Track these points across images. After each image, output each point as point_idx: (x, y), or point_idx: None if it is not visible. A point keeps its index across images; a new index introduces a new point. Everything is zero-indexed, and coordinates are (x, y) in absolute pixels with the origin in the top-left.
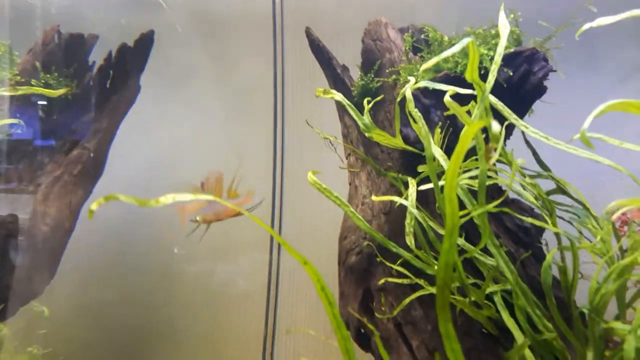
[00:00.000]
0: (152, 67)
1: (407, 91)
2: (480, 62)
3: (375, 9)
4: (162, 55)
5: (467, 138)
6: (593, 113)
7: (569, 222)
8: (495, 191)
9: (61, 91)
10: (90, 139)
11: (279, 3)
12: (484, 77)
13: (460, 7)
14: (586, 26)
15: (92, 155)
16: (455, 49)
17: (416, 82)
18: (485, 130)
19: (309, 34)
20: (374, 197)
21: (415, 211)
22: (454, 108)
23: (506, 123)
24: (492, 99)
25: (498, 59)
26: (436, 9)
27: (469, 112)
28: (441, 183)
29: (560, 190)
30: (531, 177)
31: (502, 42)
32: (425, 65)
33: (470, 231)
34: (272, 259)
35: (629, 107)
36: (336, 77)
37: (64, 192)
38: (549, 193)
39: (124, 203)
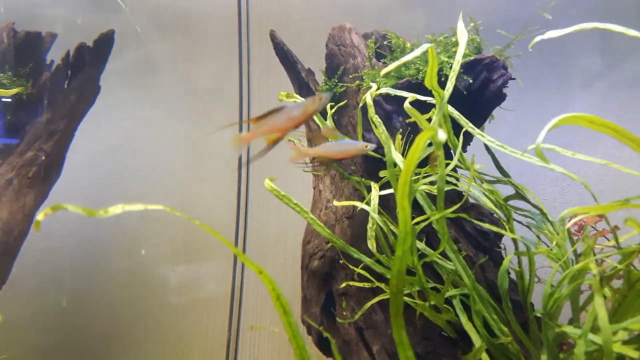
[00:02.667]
0: (113, 67)
1: (368, 98)
2: (441, 70)
3: (343, 10)
4: (123, 55)
5: (417, 149)
6: (546, 127)
7: (527, 227)
8: (455, 196)
9: (14, 91)
10: (47, 141)
11: (245, 1)
12: (445, 84)
13: (428, 13)
14: (537, 38)
15: (47, 157)
16: (414, 54)
17: (378, 88)
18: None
19: (273, 37)
20: (335, 202)
21: (376, 216)
22: (414, 114)
23: (463, 130)
24: (449, 107)
25: (456, 66)
26: (403, 15)
27: (429, 119)
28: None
29: (519, 195)
30: (491, 182)
31: (460, 50)
32: (384, 71)
33: (431, 235)
34: (237, 263)
35: (580, 121)
36: (300, 81)
37: (17, 195)
38: (507, 198)
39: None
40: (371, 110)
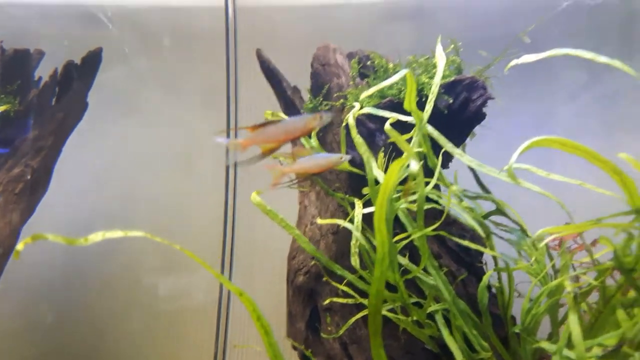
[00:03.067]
0: (102, 83)
1: (350, 118)
2: (422, 90)
3: (331, 26)
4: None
5: (392, 175)
6: (518, 149)
7: (508, 242)
8: (438, 213)
9: (2, 108)
10: (34, 157)
11: (232, 17)
12: (426, 104)
13: (414, 30)
14: (512, 62)
15: (34, 173)
16: (393, 80)
17: (362, 108)
18: (425, 155)
19: (259, 55)
20: (319, 220)
21: (358, 234)
22: (394, 135)
23: (442, 150)
24: (429, 127)
25: (435, 89)
26: (389, 32)
27: (411, 139)
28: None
29: (499, 211)
30: (473, 198)
31: (439, 73)
32: (364, 94)
33: (415, 250)
34: (224, 268)
35: (552, 143)
36: (286, 99)
37: (4, 211)
38: (488, 214)
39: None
40: (353, 131)
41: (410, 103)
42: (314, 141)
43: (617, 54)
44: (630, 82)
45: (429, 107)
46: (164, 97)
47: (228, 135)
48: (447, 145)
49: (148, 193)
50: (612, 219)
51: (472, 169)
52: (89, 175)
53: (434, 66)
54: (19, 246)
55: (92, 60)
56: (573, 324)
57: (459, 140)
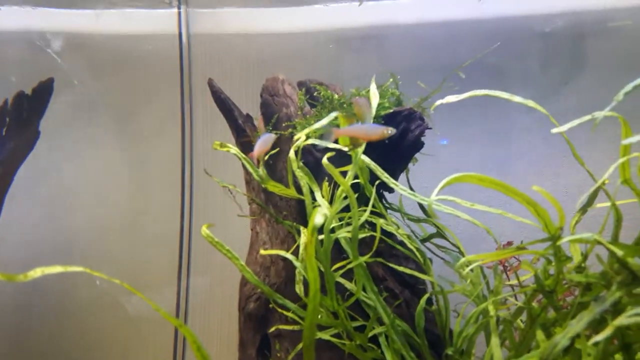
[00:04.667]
0: (57, 111)
1: (291, 153)
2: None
3: (285, 52)
4: (63, 98)
5: (314, 217)
6: (439, 186)
7: (446, 264)
8: (386, 236)
9: None
10: None
11: (186, 44)
12: None
13: (363, 58)
14: (437, 102)
15: None
16: (322, 123)
17: (308, 138)
18: (358, 187)
19: (211, 85)
20: (261, 251)
21: (298, 264)
22: (330, 169)
23: (377, 182)
24: (366, 160)
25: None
26: (340, 59)
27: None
28: (321, 237)
29: (439, 234)
30: (416, 221)
31: (372, 112)
32: (305, 131)
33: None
34: (180, 295)
35: (470, 179)
36: (238, 128)
37: None
38: (429, 237)
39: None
40: (294, 165)
41: (344, 142)
42: (261, 170)
43: (566, 77)
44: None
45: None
46: (117, 125)
47: (183, 163)
48: (383, 176)
49: (103, 221)
50: (545, 241)
51: (416, 196)
52: (41, 204)
53: (381, 96)
54: None
55: (44, 91)
56: (495, 347)
57: (400, 166)
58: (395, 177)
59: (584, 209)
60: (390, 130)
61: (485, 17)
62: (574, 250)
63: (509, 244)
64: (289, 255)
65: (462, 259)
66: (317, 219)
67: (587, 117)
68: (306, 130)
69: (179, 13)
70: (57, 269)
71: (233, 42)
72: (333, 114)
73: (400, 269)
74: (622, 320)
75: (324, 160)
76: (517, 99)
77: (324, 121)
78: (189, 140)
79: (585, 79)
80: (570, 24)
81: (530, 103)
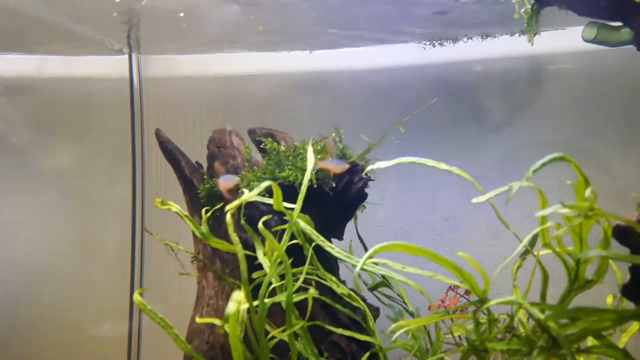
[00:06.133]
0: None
1: (228, 217)
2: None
3: (236, 96)
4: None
5: (242, 295)
6: (367, 254)
7: (387, 318)
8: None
9: None
10: None
11: (137, 87)
12: (317, 189)
13: (315, 101)
14: (369, 167)
15: None
16: (253, 194)
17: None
18: (298, 249)
19: (158, 135)
20: (197, 319)
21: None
22: (265, 234)
23: (313, 244)
24: (301, 224)
25: (304, 188)
26: (293, 101)
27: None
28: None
29: (385, 284)
30: (366, 270)
31: (307, 175)
32: (248, 196)
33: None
34: (132, 326)
35: (396, 247)
36: (185, 179)
37: None
38: (376, 286)
39: None
40: (230, 229)
41: (278, 205)
42: (204, 228)
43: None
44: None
45: (298, 206)
46: (67, 169)
47: (134, 207)
48: (319, 240)
49: (53, 276)
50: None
51: (362, 243)
52: None
53: (321, 151)
54: None
55: None
56: None
57: (347, 217)
58: (342, 228)
59: (523, 256)
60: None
61: (430, 62)
62: (516, 294)
63: (453, 288)
64: (221, 323)
65: (392, 326)
66: (230, 307)
67: (505, 188)
68: (253, 193)
69: (130, 57)
70: None
71: (187, 85)
72: (264, 184)
73: (339, 331)
74: None
75: (260, 225)
76: (443, 166)
77: (255, 192)
78: (141, 183)
79: (526, 120)
80: (512, 68)
81: (456, 170)
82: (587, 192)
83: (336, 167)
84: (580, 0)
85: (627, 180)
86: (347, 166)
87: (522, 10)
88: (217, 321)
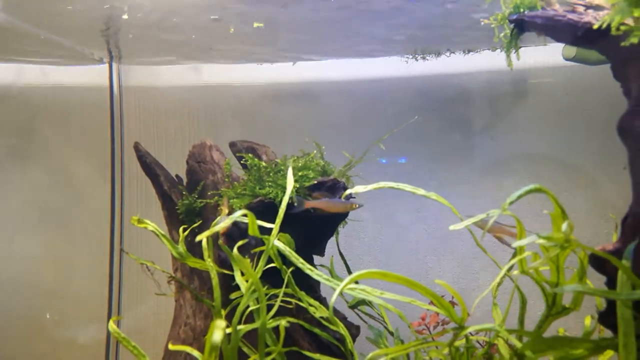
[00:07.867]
0: None
1: (204, 242)
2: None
3: (218, 106)
4: None
5: (212, 334)
6: (346, 280)
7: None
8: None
9: None
10: None
11: (118, 96)
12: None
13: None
14: (347, 192)
15: None
16: (231, 220)
17: (231, 210)
18: (275, 273)
19: (137, 149)
20: (170, 346)
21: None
22: (239, 260)
23: (292, 268)
24: (280, 245)
25: (284, 205)
26: (275, 111)
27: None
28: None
29: (365, 302)
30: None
31: (286, 198)
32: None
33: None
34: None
35: (375, 275)
36: (164, 194)
37: None
38: (356, 304)
39: None
40: (206, 254)
41: (254, 231)
42: (181, 247)
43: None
44: None
45: (275, 230)
46: (45, 178)
47: (113, 220)
48: (298, 262)
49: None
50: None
51: (344, 261)
52: None
53: (301, 169)
54: None
55: None
56: None
57: (328, 234)
58: (324, 244)
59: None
60: (357, 205)
61: (413, 74)
62: (496, 314)
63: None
64: (195, 353)
65: (370, 354)
66: (215, 336)
67: (482, 216)
68: (231, 218)
69: (110, 67)
70: None
71: (167, 95)
72: (238, 213)
73: (316, 356)
74: None
75: (235, 251)
76: (420, 191)
77: (228, 221)
78: (120, 192)
79: (508, 132)
80: (494, 80)
81: (433, 195)
82: (564, 226)
83: (338, 207)
84: (557, 28)
85: (607, 192)
86: (354, 206)
87: (502, 34)
88: (190, 349)
